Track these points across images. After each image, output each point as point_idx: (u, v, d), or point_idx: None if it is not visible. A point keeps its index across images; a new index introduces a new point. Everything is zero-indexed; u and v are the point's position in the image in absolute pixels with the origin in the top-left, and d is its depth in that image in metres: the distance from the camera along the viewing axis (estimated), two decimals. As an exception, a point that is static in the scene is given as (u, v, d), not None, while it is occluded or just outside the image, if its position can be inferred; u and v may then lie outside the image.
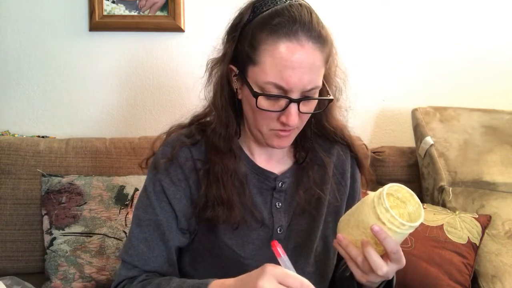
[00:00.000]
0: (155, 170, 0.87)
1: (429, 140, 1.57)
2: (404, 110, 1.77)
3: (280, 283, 0.64)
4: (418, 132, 1.62)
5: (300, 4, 0.77)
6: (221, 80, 0.85)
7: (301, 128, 0.85)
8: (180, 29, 1.69)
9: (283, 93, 0.76)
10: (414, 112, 1.66)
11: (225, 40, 0.84)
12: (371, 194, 0.73)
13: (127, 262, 0.86)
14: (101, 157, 1.52)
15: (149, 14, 1.67)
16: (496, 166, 1.49)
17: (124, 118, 1.74)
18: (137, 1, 1.67)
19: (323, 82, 0.81)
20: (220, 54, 0.85)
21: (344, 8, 1.74)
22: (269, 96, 0.77)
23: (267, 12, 0.77)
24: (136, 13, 1.67)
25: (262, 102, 0.78)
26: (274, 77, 0.75)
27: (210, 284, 0.75)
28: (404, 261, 0.73)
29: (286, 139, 0.83)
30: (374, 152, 1.71)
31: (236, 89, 0.84)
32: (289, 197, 0.91)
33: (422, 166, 1.60)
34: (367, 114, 1.82)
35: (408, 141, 1.78)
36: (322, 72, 0.79)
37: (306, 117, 0.83)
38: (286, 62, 0.74)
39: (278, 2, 0.78)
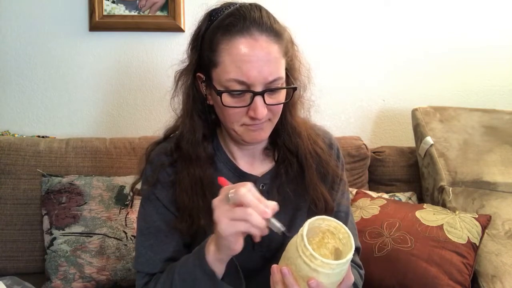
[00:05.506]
0: (146, 185, 0.93)
1: (429, 140, 1.57)
2: (404, 110, 1.78)
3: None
4: (418, 132, 1.62)
5: (250, 4, 0.83)
6: (187, 89, 0.89)
7: (275, 121, 0.87)
8: (180, 29, 1.69)
9: (246, 88, 0.79)
10: (414, 112, 1.66)
11: (189, 50, 0.88)
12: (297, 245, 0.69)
13: (140, 271, 0.91)
14: (101, 157, 1.52)
15: (149, 14, 1.67)
16: (496, 166, 1.49)
17: (124, 118, 1.75)
18: (137, 1, 1.67)
19: (287, 75, 0.84)
20: (186, 65, 0.89)
21: (345, 8, 1.74)
22: (232, 92, 0.79)
23: (221, 16, 0.83)
24: (136, 13, 1.67)
25: (227, 99, 0.80)
26: (235, 73, 0.78)
27: (206, 247, 0.78)
28: None
29: (260, 132, 0.85)
30: (374, 152, 1.71)
31: (206, 95, 0.87)
32: (271, 198, 0.91)
33: (422, 166, 1.60)
34: (367, 114, 1.82)
35: (408, 141, 1.78)
36: (282, 63, 0.82)
37: (277, 109, 0.85)
38: (244, 57, 0.78)
39: (231, 7, 0.84)
